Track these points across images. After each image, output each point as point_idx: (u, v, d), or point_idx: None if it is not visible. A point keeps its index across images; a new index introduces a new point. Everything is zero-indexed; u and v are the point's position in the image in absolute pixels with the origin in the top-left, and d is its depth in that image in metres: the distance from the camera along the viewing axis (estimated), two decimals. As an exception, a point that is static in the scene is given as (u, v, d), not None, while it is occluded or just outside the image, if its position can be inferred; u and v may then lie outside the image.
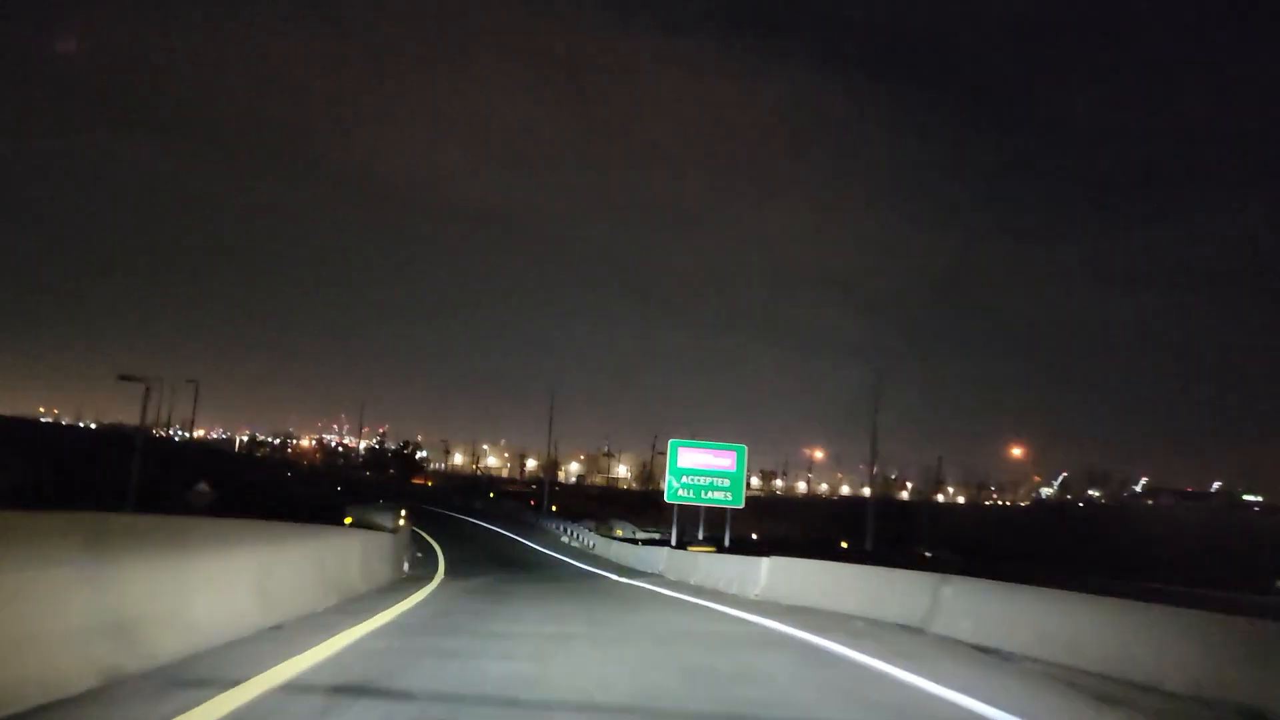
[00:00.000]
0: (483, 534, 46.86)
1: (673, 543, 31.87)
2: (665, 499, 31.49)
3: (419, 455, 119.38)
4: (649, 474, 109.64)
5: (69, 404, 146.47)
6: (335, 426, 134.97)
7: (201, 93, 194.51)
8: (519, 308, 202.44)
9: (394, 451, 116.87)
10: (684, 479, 29.88)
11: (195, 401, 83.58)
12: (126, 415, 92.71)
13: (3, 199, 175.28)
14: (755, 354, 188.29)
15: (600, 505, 72.95)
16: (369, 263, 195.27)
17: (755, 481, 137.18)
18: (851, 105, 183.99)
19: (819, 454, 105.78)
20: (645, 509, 65.42)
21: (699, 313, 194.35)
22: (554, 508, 54.44)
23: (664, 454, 32.61)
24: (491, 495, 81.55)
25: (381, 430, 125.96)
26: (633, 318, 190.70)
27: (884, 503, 61.54)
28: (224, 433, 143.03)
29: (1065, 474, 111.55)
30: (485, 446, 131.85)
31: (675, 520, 32.96)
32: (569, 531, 45.13)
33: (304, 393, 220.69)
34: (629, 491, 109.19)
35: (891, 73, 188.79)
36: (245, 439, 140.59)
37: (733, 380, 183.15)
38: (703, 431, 35.94)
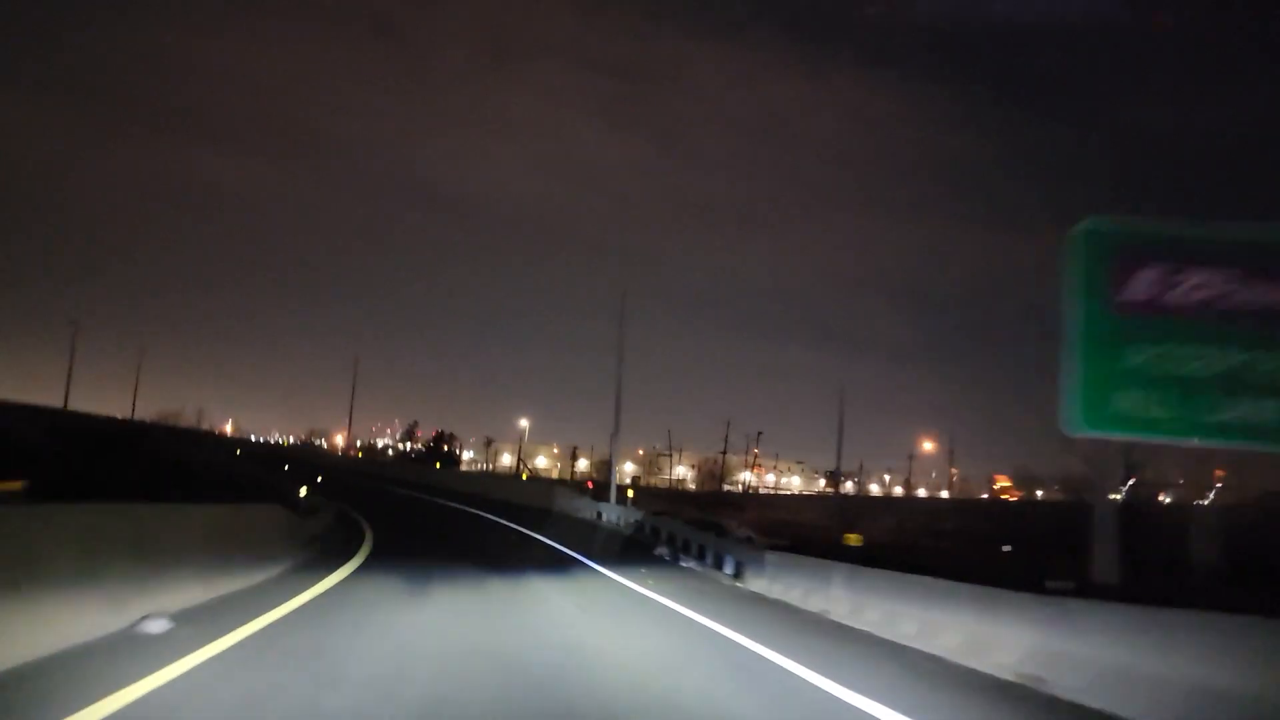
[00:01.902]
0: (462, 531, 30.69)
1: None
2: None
3: (461, 454, 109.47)
4: (718, 474, 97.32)
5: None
6: (375, 429, 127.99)
7: (263, 108, 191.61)
8: (572, 313, 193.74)
9: (427, 445, 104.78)
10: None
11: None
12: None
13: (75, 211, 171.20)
14: (808, 357, 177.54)
15: (671, 505, 58.98)
16: (431, 270, 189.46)
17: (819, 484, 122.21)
18: (907, 107, 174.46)
19: (928, 446, 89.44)
20: (719, 511, 52.09)
21: (753, 317, 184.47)
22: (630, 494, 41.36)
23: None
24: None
25: (411, 425, 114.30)
26: (683, 321, 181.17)
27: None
28: (262, 437, 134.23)
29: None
30: (523, 439, 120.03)
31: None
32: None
33: (348, 395, 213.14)
34: (700, 492, 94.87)
35: (948, 73, 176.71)
36: (274, 438, 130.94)
37: (789, 385, 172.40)
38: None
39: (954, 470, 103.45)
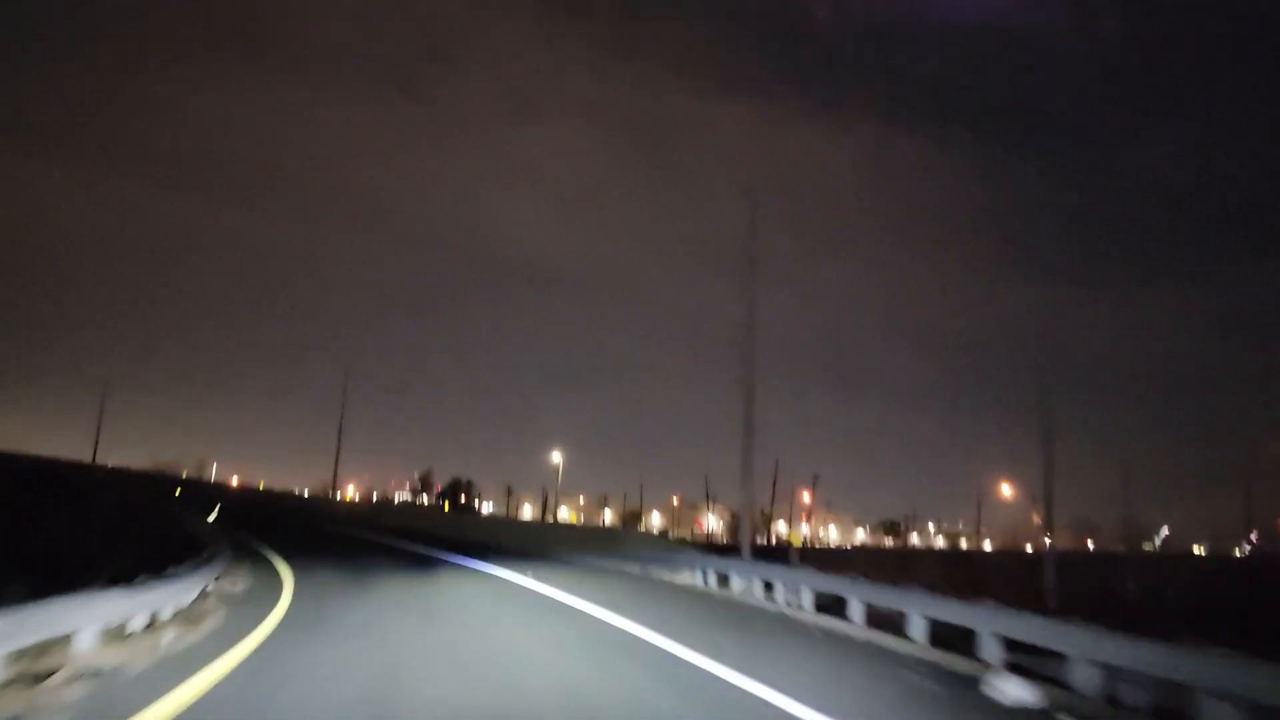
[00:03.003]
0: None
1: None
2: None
3: (480, 504, 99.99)
4: (758, 523, 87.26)
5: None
6: (393, 484, 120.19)
7: (285, 161, 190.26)
8: (589, 363, 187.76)
9: (441, 495, 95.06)
10: None
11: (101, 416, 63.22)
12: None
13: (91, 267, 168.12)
14: (826, 404, 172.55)
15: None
16: (452, 320, 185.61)
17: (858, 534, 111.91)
18: (924, 155, 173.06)
19: (1007, 492, 78.75)
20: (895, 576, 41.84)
21: (775, 365, 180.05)
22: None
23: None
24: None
25: (425, 473, 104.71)
26: (702, 370, 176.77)
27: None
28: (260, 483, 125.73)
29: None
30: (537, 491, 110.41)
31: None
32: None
33: (362, 446, 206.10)
34: (733, 546, 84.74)
35: (964, 122, 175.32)
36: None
37: (811, 432, 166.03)
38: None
39: (1036, 517, 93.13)
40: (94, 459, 71.72)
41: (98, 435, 73.85)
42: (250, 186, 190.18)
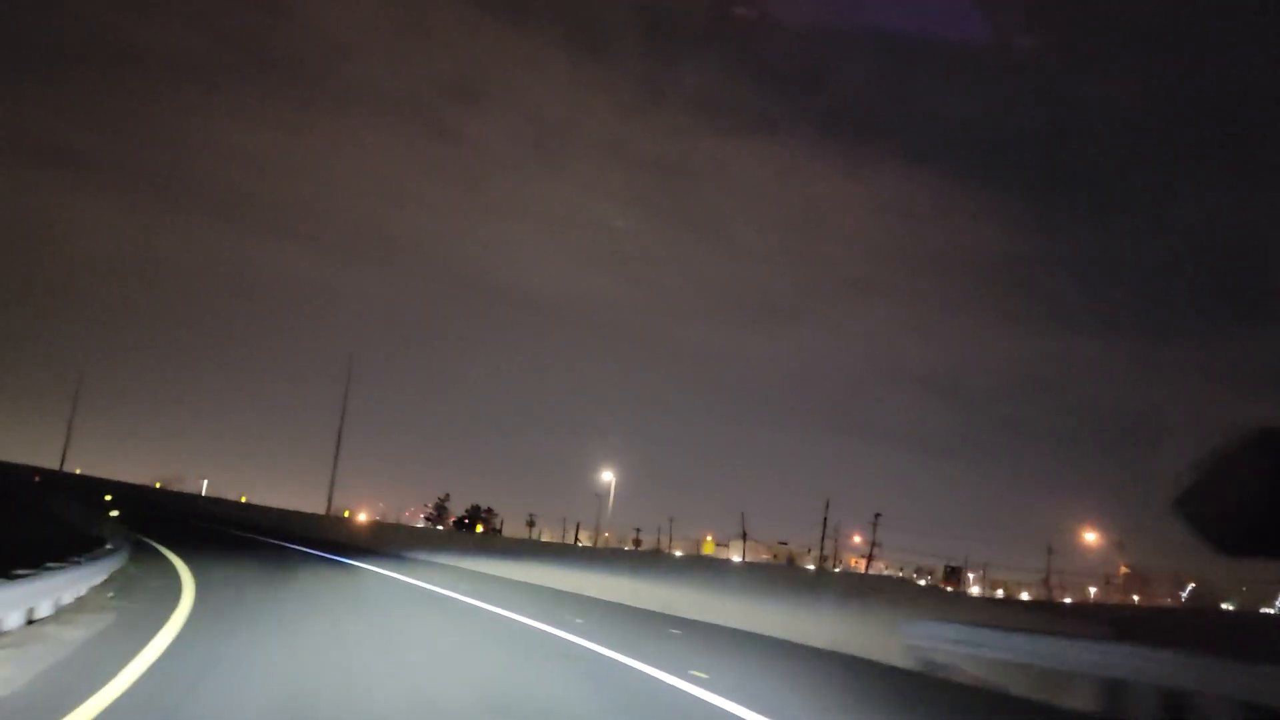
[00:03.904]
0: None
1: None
2: None
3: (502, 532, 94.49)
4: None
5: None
6: (409, 514, 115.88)
7: (306, 195, 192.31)
8: (605, 402, 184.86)
9: (460, 522, 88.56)
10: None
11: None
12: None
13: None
14: (844, 447, 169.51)
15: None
16: (473, 355, 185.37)
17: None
18: (945, 201, 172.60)
19: (1090, 538, 70.84)
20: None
21: (788, 408, 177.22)
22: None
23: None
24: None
25: (442, 499, 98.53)
26: (716, 413, 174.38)
27: None
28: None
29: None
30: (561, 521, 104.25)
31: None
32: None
33: (377, 471, 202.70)
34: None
35: (986, 170, 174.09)
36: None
37: (827, 474, 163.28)
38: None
39: (1124, 568, 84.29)
40: (61, 465, 72.56)
41: (66, 441, 73.31)
42: (273, 219, 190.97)
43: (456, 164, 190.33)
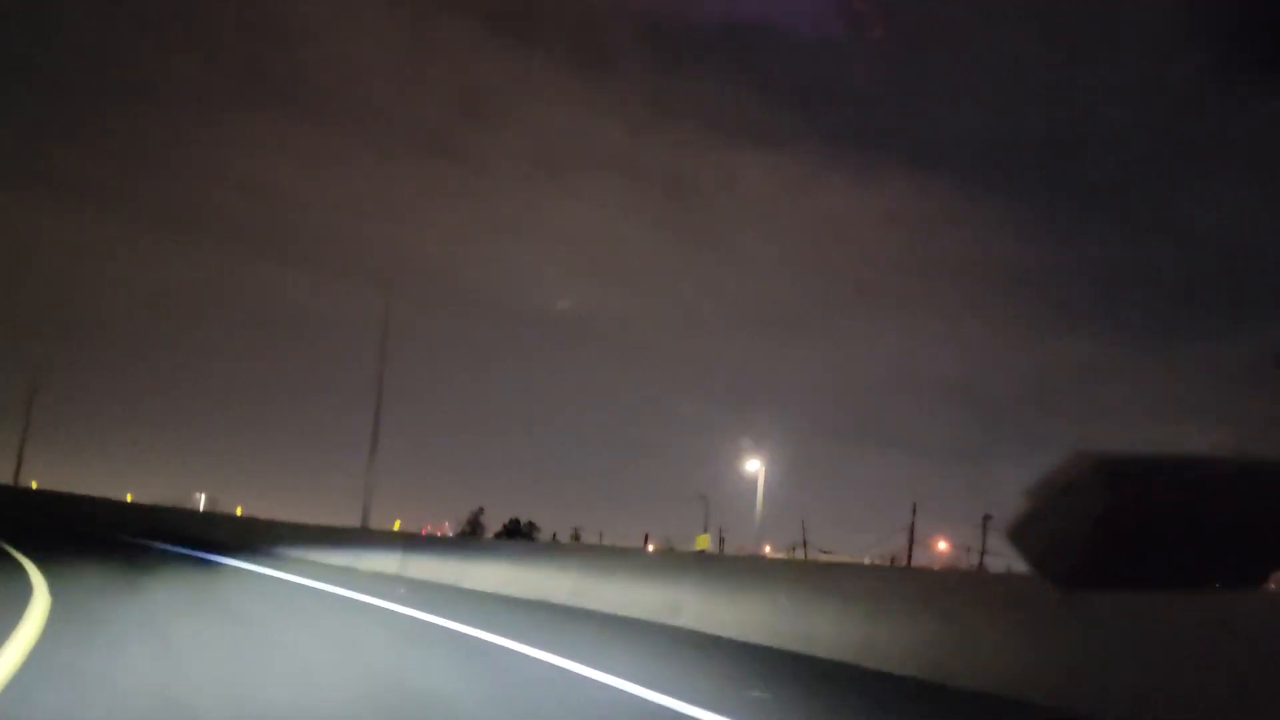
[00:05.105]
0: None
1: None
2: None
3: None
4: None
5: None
6: (437, 526, 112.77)
7: (313, 215, 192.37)
8: (619, 418, 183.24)
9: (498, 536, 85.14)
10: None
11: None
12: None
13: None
14: (854, 456, 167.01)
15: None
16: (483, 372, 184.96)
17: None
18: (957, 210, 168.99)
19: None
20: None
21: (801, 420, 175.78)
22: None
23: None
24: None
25: (476, 513, 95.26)
26: (735, 426, 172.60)
27: None
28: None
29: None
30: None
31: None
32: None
33: (398, 489, 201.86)
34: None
35: (998, 178, 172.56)
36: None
37: (839, 486, 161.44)
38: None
39: None
40: (15, 479, 66.44)
41: (20, 451, 68.14)
42: (275, 241, 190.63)
43: (457, 181, 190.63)
